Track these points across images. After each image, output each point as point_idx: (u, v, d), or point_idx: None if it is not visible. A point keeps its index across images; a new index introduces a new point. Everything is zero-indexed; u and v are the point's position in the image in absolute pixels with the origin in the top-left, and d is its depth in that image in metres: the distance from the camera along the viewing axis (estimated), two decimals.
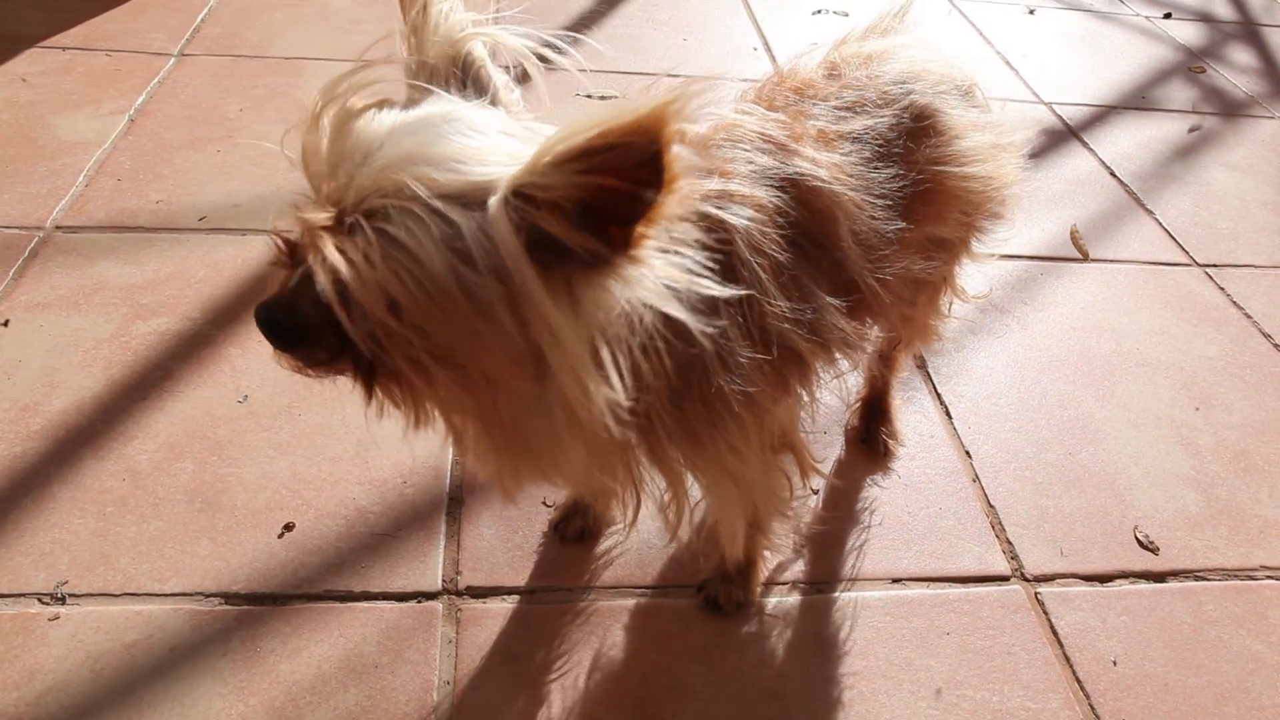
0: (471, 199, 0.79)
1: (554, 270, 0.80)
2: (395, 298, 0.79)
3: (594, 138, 0.71)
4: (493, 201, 0.78)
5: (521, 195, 0.77)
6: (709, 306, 0.98)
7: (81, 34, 2.84)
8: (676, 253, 0.82)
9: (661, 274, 0.81)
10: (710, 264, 0.85)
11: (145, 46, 2.81)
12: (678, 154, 0.73)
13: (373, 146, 0.83)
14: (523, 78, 1.01)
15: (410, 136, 0.84)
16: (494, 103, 0.97)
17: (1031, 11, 3.89)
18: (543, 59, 0.98)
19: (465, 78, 0.97)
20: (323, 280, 0.79)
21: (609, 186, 0.73)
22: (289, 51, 2.88)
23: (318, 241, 0.80)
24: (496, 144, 0.85)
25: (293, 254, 0.89)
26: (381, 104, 0.88)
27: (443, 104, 0.91)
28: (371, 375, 0.91)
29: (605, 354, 0.83)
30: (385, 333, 0.82)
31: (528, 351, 0.84)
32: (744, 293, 0.96)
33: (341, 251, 0.78)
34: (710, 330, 0.90)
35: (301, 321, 0.87)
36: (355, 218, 0.79)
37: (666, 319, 0.86)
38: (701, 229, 0.86)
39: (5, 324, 1.80)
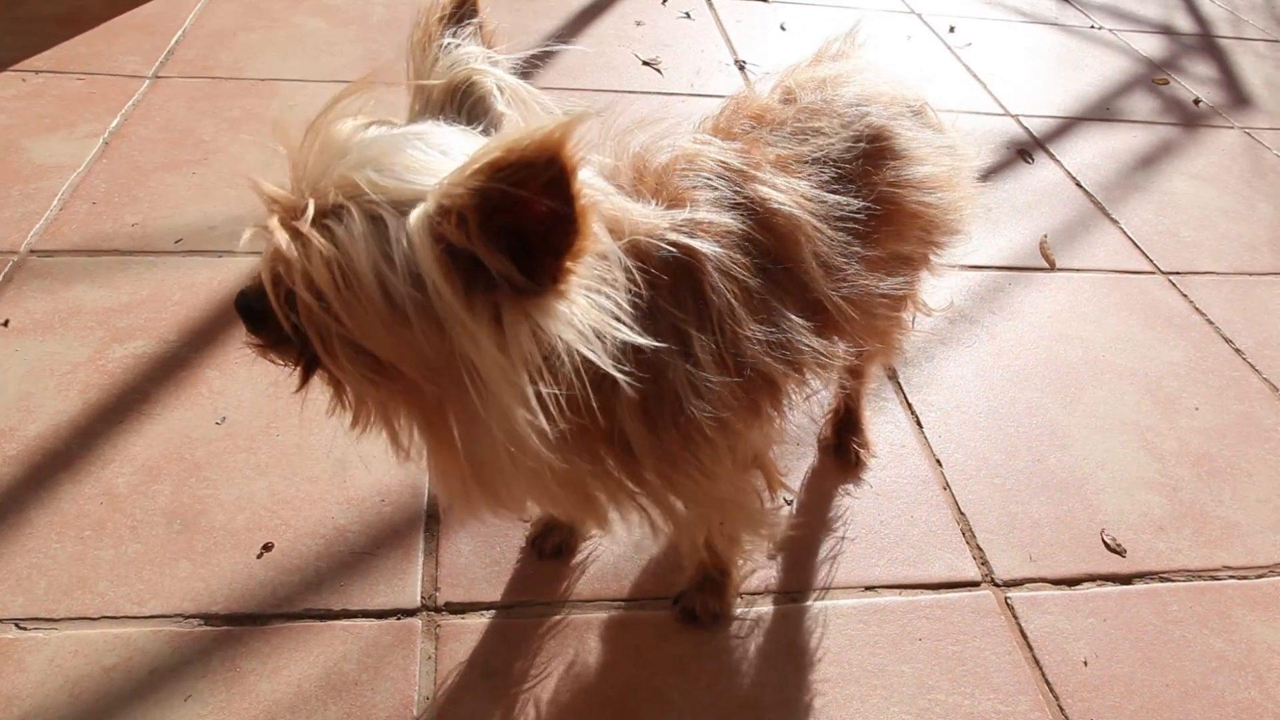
0: (406, 205, 0.83)
1: (480, 293, 0.82)
2: (320, 286, 0.84)
3: (499, 154, 0.74)
4: (417, 209, 0.82)
5: (440, 207, 0.80)
6: (679, 338, 1.01)
7: (54, 57, 2.84)
8: (602, 293, 0.85)
9: (583, 313, 0.84)
10: (634, 307, 0.89)
11: (119, 69, 2.82)
12: (586, 182, 0.75)
13: (345, 151, 0.88)
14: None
15: (377, 145, 0.89)
16: (487, 132, 0.99)
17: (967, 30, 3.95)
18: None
19: (461, 106, 1.00)
20: (263, 263, 0.87)
21: (523, 207, 0.75)
22: (264, 73, 2.89)
23: (269, 227, 0.87)
24: (455, 163, 0.86)
25: None
26: (374, 121, 0.93)
27: (427, 125, 0.95)
28: (311, 365, 0.97)
29: (527, 382, 0.85)
30: (307, 318, 0.88)
31: (456, 366, 0.86)
32: (659, 345, 0.96)
33: (292, 239, 0.84)
34: (622, 375, 0.90)
35: (262, 306, 0.93)
36: (311, 211, 0.85)
37: (634, 352, 0.89)
38: (631, 269, 0.89)
39: None
